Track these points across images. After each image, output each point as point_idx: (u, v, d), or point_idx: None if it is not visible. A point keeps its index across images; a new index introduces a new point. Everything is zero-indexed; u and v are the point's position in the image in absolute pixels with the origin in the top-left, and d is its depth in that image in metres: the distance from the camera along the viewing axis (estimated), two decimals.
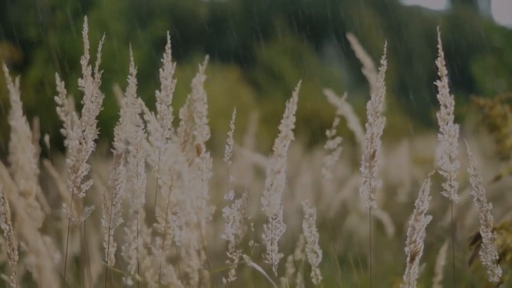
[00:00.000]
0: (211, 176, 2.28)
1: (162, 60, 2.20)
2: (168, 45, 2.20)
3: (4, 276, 2.36)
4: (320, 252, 2.32)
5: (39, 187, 2.72)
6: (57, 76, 2.49)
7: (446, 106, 2.14)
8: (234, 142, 2.24)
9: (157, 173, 2.15)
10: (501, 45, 14.89)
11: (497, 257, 2.13)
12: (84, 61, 2.15)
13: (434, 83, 2.14)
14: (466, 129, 7.44)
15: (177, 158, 1.96)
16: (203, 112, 2.29)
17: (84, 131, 2.13)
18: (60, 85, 2.49)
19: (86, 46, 2.15)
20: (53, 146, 2.86)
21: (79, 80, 2.14)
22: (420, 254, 2.11)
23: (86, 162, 2.15)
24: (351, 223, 5.47)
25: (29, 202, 2.63)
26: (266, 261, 2.16)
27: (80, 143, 2.13)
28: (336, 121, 2.73)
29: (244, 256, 2.17)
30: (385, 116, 2.39)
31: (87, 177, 2.17)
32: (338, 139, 2.69)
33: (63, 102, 2.52)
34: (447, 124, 2.14)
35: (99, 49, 2.13)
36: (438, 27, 2.14)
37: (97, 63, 2.14)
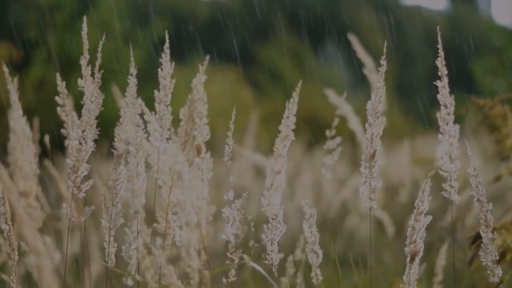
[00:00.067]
0: (211, 176, 2.28)
1: (161, 60, 2.20)
2: (167, 45, 2.20)
3: (4, 276, 2.36)
4: (320, 252, 2.32)
5: (39, 187, 2.72)
6: (58, 76, 2.49)
7: (446, 106, 2.14)
8: (234, 142, 2.24)
9: (156, 173, 2.15)
10: (501, 45, 14.89)
11: (497, 257, 2.13)
12: (83, 61, 2.15)
13: (434, 83, 2.14)
14: (466, 129, 7.44)
15: (177, 158, 1.96)
16: (203, 112, 2.29)
17: (84, 131, 2.13)
18: (61, 85, 2.49)
19: (86, 46, 2.15)
20: (53, 146, 2.86)
21: (79, 80, 2.14)
22: (420, 254, 2.11)
23: (86, 162, 2.15)
24: (351, 223, 5.47)
25: (29, 202, 2.63)
26: (266, 261, 2.16)
27: (80, 143, 2.13)
28: (336, 121, 2.73)
29: (244, 256, 2.17)
30: (385, 116, 2.39)
31: (87, 177, 2.17)
32: (338, 139, 2.69)
33: (64, 102, 2.53)
34: (447, 124, 2.14)
35: (99, 49, 2.13)
36: (438, 27, 2.14)
37: (97, 63, 2.14)
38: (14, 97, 2.61)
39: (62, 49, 9.68)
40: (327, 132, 2.69)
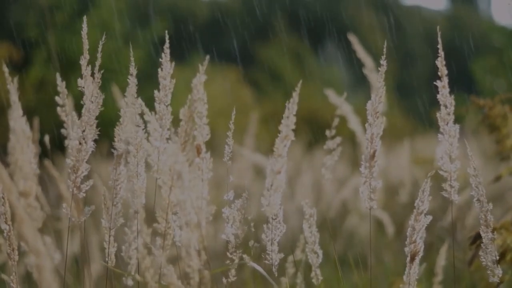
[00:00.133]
0: (211, 176, 2.28)
1: (161, 60, 2.20)
2: (167, 45, 2.20)
3: (4, 276, 2.36)
4: (320, 252, 2.32)
5: (39, 187, 2.72)
6: (58, 76, 2.49)
7: (446, 106, 2.14)
8: (234, 142, 2.24)
9: (156, 173, 2.15)
10: (501, 45, 14.89)
11: (497, 257, 2.13)
12: (83, 61, 2.15)
13: (434, 83, 2.14)
14: (466, 130, 7.44)
15: (177, 158, 1.96)
16: (203, 112, 2.29)
17: (84, 131, 2.13)
18: (61, 85, 2.49)
19: (86, 46, 2.15)
20: (53, 146, 2.86)
21: (79, 80, 2.14)
22: (420, 254, 2.11)
23: (86, 162, 2.15)
24: (351, 223, 5.47)
25: (29, 202, 2.63)
26: (266, 261, 2.16)
27: (80, 143, 2.13)
28: (336, 121, 2.73)
29: (244, 256, 2.17)
30: (385, 116, 2.39)
31: (87, 177, 2.17)
32: (338, 139, 2.69)
33: (64, 102, 2.53)
34: (447, 124, 2.14)
35: (99, 49, 2.13)
36: (438, 27, 2.14)
37: (97, 63, 2.14)
38: (14, 97, 2.61)
39: (62, 49, 9.68)
40: (327, 132, 2.69)
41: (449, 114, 2.15)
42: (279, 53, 20.96)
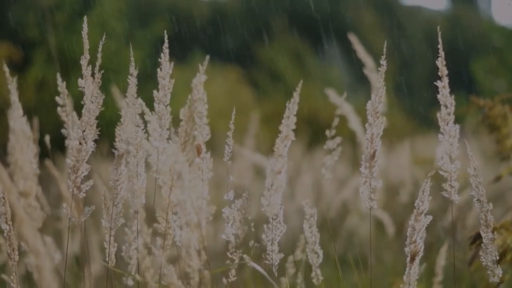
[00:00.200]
0: (211, 176, 2.28)
1: (160, 60, 2.20)
2: (166, 44, 2.20)
3: (4, 276, 2.36)
4: (321, 252, 2.32)
5: (39, 187, 2.72)
6: (58, 76, 2.49)
7: (446, 107, 2.14)
8: (235, 142, 2.24)
9: (156, 173, 2.15)
10: (501, 45, 14.89)
11: (497, 257, 2.13)
12: (84, 61, 2.15)
13: (435, 83, 2.14)
14: (466, 130, 7.45)
15: (177, 158, 1.96)
16: (204, 112, 2.29)
17: (84, 131, 2.13)
18: (61, 86, 2.49)
19: (86, 46, 2.15)
20: (53, 146, 2.86)
21: (79, 80, 2.14)
22: (420, 254, 2.11)
23: (86, 162, 2.15)
24: (351, 223, 5.47)
25: (29, 202, 2.63)
26: (267, 261, 2.16)
27: (80, 143, 2.13)
28: (336, 121, 2.73)
29: (245, 256, 2.17)
30: (385, 116, 2.39)
31: (87, 177, 2.17)
32: (338, 139, 2.69)
33: (64, 102, 2.53)
34: (447, 124, 2.14)
35: (99, 49, 2.13)
36: (438, 27, 2.14)
37: (98, 63, 2.14)
38: (14, 97, 2.61)
39: (62, 49, 9.68)
40: (327, 132, 2.69)
41: (449, 114, 2.15)
42: (279, 53, 20.96)
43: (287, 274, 2.61)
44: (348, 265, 3.88)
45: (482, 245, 2.14)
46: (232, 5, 27.31)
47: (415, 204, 2.11)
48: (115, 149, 2.17)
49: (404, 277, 2.13)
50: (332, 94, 3.51)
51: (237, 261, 2.16)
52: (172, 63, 2.22)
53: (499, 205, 4.81)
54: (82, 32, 2.15)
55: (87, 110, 2.13)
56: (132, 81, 2.18)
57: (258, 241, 2.18)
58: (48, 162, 2.82)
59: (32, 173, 2.63)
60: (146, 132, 2.17)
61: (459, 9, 30.02)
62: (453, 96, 2.15)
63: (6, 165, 2.63)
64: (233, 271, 2.17)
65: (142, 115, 2.18)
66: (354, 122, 3.68)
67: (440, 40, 2.13)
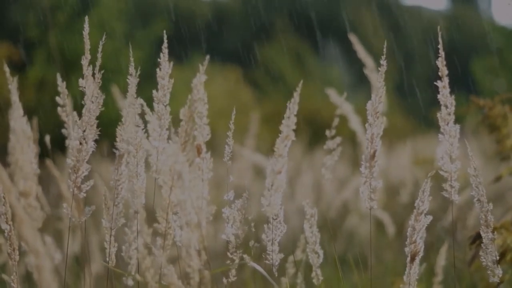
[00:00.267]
0: (211, 176, 2.28)
1: (159, 60, 2.20)
2: (165, 44, 2.20)
3: (4, 276, 2.36)
4: (321, 252, 2.32)
5: (39, 187, 2.72)
6: (58, 76, 2.49)
7: (446, 107, 2.14)
8: (235, 142, 2.24)
9: (156, 173, 2.15)
10: (502, 45, 14.89)
11: (497, 257, 2.13)
12: (85, 61, 2.15)
13: (435, 83, 2.14)
14: (466, 130, 7.45)
15: (177, 158, 1.96)
16: (204, 112, 2.29)
17: (84, 131, 2.13)
18: (62, 86, 2.49)
19: (87, 46, 2.15)
20: (53, 146, 2.86)
21: (80, 80, 2.14)
22: (421, 254, 2.11)
23: (87, 162, 2.15)
24: (351, 223, 5.47)
25: (29, 202, 2.63)
26: (267, 262, 2.16)
27: (81, 143, 2.13)
28: (336, 121, 2.73)
29: (245, 256, 2.17)
30: (386, 116, 2.39)
31: (87, 177, 2.17)
32: (338, 139, 2.69)
33: (64, 102, 2.53)
34: (447, 124, 2.14)
35: (100, 49, 2.13)
36: (438, 27, 2.14)
37: (98, 63, 2.14)
38: (14, 97, 2.62)
39: (62, 49, 9.68)
40: (327, 132, 2.69)
41: (449, 114, 2.15)
42: (279, 53, 20.96)
43: (287, 274, 2.61)
44: (348, 265, 3.88)
45: (482, 245, 2.14)
46: (232, 5, 27.31)
47: (415, 204, 2.11)
48: (116, 149, 2.17)
49: (404, 277, 2.13)
50: (332, 94, 3.51)
51: (237, 261, 2.16)
52: (172, 63, 2.22)
53: (499, 205, 4.81)
54: (84, 32, 2.15)
55: (88, 110, 2.13)
56: (132, 81, 2.18)
57: (258, 241, 2.18)
58: (48, 162, 2.82)
59: (32, 173, 2.64)
60: (146, 132, 2.17)
61: (459, 9, 30.02)
62: (453, 96, 2.15)
63: (7, 165, 2.63)
64: (233, 271, 2.17)
65: (142, 115, 2.18)
66: (354, 122, 3.68)
67: (440, 40, 2.13)
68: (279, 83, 19.24)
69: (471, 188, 2.15)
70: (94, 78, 2.15)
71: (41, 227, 2.66)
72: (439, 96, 2.14)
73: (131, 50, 2.25)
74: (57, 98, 2.51)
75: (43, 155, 2.81)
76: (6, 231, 2.05)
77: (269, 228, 2.15)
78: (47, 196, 3.04)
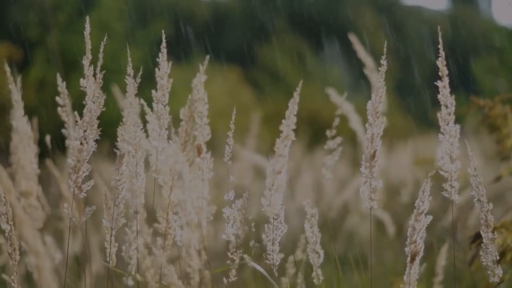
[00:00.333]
0: (211, 176, 2.28)
1: (158, 59, 2.20)
2: (163, 44, 2.20)
3: (5, 276, 2.37)
4: (321, 252, 2.32)
5: (39, 187, 2.72)
6: (58, 76, 2.50)
7: (447, 106, 2.14)
8: (235, 142, 2.24)
9: (155, 172, 2.15)
10: (502, 45, 14.90)
11: (498, 257, 2.13)
12: (86, 61, 2.15)
13: (435, 83, 2.14)
14: (466, 130, 7.45)
15: (178, 158, 1.96)
16: (204, 112, 2.29)
17: (85, 131, 2.13)
18: (61, 86, 2.49)
19: (88, 46, 2.15)
20: (53, 146, 2.87)
21: (81, 80, 2.14)
22: (421, 254, 2.11)
23: (87, 162, 2.15)
24: (351, 223, 5.47)
25: (30, 202, 2.63)
26: (267, 261, 2.17)
27: (82, 144, 2.13)
28: (336, 121, 2.73)
29: (245, 256, 2.17)
30: (386, 116, 2.39)
31: (88, 177, 2.17)
32: (338, 139, 2.69)
33: (64, 102, 2.53)
34: (448, 124, 2.14)
35: (101, 49, 2.13)
36: (439, 27, 2.14)
37: (99, 63, 2.14)
38: (16, 96, 2.62)
39: (62, 49, 9.68)
40: (328, 132, 2.69)
41: (449, 114, 2.15)
42: (279, 53, 20.96)
43: (287, 274, 2.61)
44: (348, 265, 3.88)
45: (482, 245, 2.14)
46: (232, 5, 27.31)
47: (415, 204, 2.11)
48: (117, 149, 2.17)
49: (404, 277, 2.13)
50: (333, 94, 3.51)
51: (237, 261, 2.16)
52: (170, 63, 2.22)
53: (499, 205, 4.81)
54: (85, 32, 2.15)
55: (89, 110, 2.14)
56: (130, 82, 2.18)
57: (259, 241, 2.19)
58: (48, 162, 2.82)
59: (33, 173, 2.64)
60: (146, 132, 2.17)
61: (459, 9, 30.02)
62: (453, 96, 2.15)
63: (8, 164, 2.64)
64: (233, 271, 2.17)
65: (142, 115, 2.18)
66: (354, 122, 3.68)
67: (440, 40, 2.13)
68: (279, 83, 19.24)
69: (471, 188, 2.15)
70: (95, 78, 2.15)
71: (42, 227, 2.66)
72: (439, 96, 2.14)
73: (128, 50, 2.26)
74: (57, 98, 2.51)
75: (43, 155, 2.81)
76: (6, 231, 2.05)
77: (269, 228, 2.15)
78: (47, 196, 3.04)
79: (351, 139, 4.53)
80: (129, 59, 2.19)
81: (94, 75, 2.15)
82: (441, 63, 2.14)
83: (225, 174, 2.22)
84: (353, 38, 3.76)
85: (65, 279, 2.28)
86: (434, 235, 4.50)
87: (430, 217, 2.11)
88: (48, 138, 2.83)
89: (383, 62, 2.14)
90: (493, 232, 2.12)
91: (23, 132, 2.63)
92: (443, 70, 2.14)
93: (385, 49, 2.17)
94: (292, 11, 24.88)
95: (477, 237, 2.43)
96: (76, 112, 2.27)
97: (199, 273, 2.16)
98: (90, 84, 2.14)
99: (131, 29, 12.11)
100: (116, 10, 11.40)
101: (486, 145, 7.08)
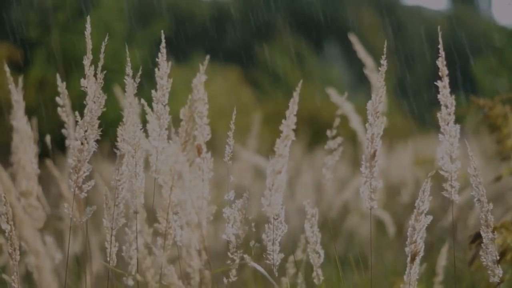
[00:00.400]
0: (211, 176, 2.28)
1: (157, 59, 2.20)
2: (163, 44, 2.20)
3: (5, 276, 2.37)
4: (322, 252, 2.32)
5: (39, 187, 2.72)
6: (58, 77, 2.50)
7: (447, 106, 2.15)
8: (236, 142, 2.24)
9: (155, 172, 2.15)
10: (502, 45, 14.89)
11: (498, 257, 2.13)
12: (86, 61, 2.15)
13: (435, 83, 2.14)
14: (466, 130, 7.45)
15: (178, 158, 1.96)
16: (204, 112, 2.29)
17: (86, 131, 2.13)
18: (61, 86, 2.49)
19: (89, 46, 2.15)
20: (53, 146, 2.87)
21: (82, 80, 2.14)
22: (421, 254, 2.12)
23: (88, 162, 2.15)
24: (352, 223, 5.47)
25: (30, 202, 2.63)
26: (267, 261, 2.17)
27: (82, 144, 2.13)
28: (337, 121, 2.73)
29: (245, 256, 2.17)
30: (386, 116, 2.39)
31: (88, 177, 2.17)
32: (339, 139, 2.69)
33: (64, 102, 2.53)
34: (448, 124, 2.14)
35: (102, 49, 2.13)
36: (439, 27, 2.14)
37: (100, 63, 2.14)
38: (17, 96, 2.62)
39: (62, 49, 9.68)
40: (328, 132, 2.69)
41: (449, 114, 2.15)
42: (280, 53, 20.96)
43: (287, 274, 2.61)
44: (348, 265, 3.88)
45: (482, 245, 2.14)
46: (233, 5, 27.32)
47: (416, 204, 2.11)
48: (117, 149, 2.17)
49: (405, 277, 2.13)
50: (333, 93, 3.51)
51: (237, 261, 2.16)
52: (170, 63, 2.22)
53: (499, 205, 4.81)
54: (85, 32, 2.15)
55: (89, 110, 2.14)
56: (129, 82, 2.18)
57: (259, 241, 2.19)
58: (48, 162, 2.82)
59: (33, 173, 2.64)
60: (145, 132, 2.17)
61: (459, 9, 30.03)
62: (453, 96, 2.15)
63: (9, 164, 2.64)
64: (233, 271, 2.17)
65: (143, 115, 2.18)
66: (354, 122, 3.68)
67: (440, 40, 2.13)
68: (279, 83, 19.24)
69: (471, 188, 2.15)
70: (96, 78, 2.15)
71: (42, 227, 2.66)
72: (439, 96, 2.14)
73: (128, 51, 2.25)
74: (57, 99, 2.52)
75: (43, 155, 2.81)
76: (6, 231, 2.05)
77: (269, 228, 2.15)
78: (47, 196, 3.04)
79: (351, 139, 4.54)
80: (128, 59, 2.19)
81: (95, 75, 2.15)
82: (441, 63, 2.14)
83: (225, 174, 2.22)
84: (353, 38, 3.76)
85: (65, 279, 2.28)
86: (434, 235, 4.50)
87: (430, 217, 2.11)
88: (48, 138, 2.83)
89: (383, 62, 2.14)
90: (493, 232, 2.12)
91: (24, 132, 2.63)
92: (443, 70, 2.14)
93: (385, 49, 2.17)
94: (292, 11, 24.88)
95: (477, 237, 2.43)
96: (77, 112, 2.27)
97: (199, 273, 2.16)
98: (91, 84, 2.14)
99: (131, 29, 12.11)
100: (116, 10, 11.40)
101: (486, 145, 7.08)
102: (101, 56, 2.14)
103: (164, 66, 2.20)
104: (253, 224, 2.16)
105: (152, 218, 2.19)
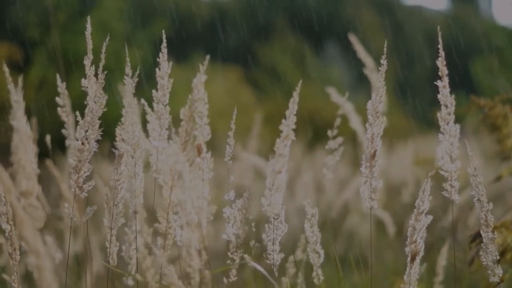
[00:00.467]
0: (212, 176, 2.28)
1: (158, 59, 2.20)
2: (164, 44, 2.20)
3: (5, 276, 2.37)
4: (322, 252, 2.32)
5: (40, 187, 2.72)
6: (58, 77, 2.50)
7: (447, 106, 2.15)
8: (236, 142, 2.24)
9: (155, 172, 2.15)
10: (502, 45, 14.90)
11: (498, 257, 2.13)
12: (87, 61, 2.15)
13: (435, 83, 2.15)
14: (466, 129, 7.45)
15: (178, 158, 1.96)
16: (204, 112, 2.29)
17: (87, 131, 2.14)
18: (61, 86, 2.49)
19: (90, 46, 2.15)
20: (53, 146, 2.87)
21: (83, 80, 2.14)
22: (421, 254, 2.12)
23: (88, 162, 2.15)
24: (352, 223, 5.47)
25: (30, 202, 2.64)
26: (267, 261, 2.17)
27: (83, 144, 2.13)
28: (338, 121, 2.73)
29: (245, 256, 2.17)
30: (386, 116, 2.39)
31: (89, 177, 2.17)
32: (340, 139, 2.69)
33: (64, 103, 2.53)
34: (448, 124, 2.14)
35: (103, 50, 2.13)
36: (439, 27, 2.14)
37: (101, 64, 2.14)
38: (17, 96, 2.62)
39: (62, 49, 9.68)
40: (329, 132, 2.69)
41: (449, 114, 2.15)
42: (280, 53, 20.97)
43: (287, 274, 2.61)
44: (348, 265, 3.88)
45: (482, 244, 2.14)
46: (232, 5, 27.32)
47: (416, 204, 2.11)
48: (116, 148, 2.18)
49: (405, 277, 2.13)
50: (333, 93, 3.51)
51: (237, 261, 2.16)
52: (171, 63, 2.22)
53: (499, 205, 4.81)
54: (86, 32, 2.15)
55: (90, 111, 2.14)
56: (129, 82, 2.18)
57: (259, 241, 2.19)
58: (48, 162, 2.82)
59: (33, 173, 2.64)
60: (146, 132, 2.17)
61: (460, 9, 30.02)
62: (453, 96, 2.15)
63: (9, 164, 2.64)
64: (233, 271, 2.17)
65: (144, 115, 2.18)
66: (354, 122, 3.68)
67: (440, 40, 2.13)
68: (279, 83, 19.24)
69: (471, 188, 2.15)
70: (96, 78, 2.15)
71: (42, 227, 2.66)
72: (439, 96, 2.14)
73: (127, 51, 2.26)
74: (57, 99, 2.52)
75: (43, 155, 2.81)
76: (7, 231, 2.05)
77: (269, 228, 2.15)
78: (47, 196, 3.04)
79: (352, 139, 4.53)
80: (128, 59, 2.19)
81: (96, 75, 2.15)
82: (441, 63, 2.14)
83: (225, 174, 2.22)
84: (353, 38, 3.76)
85: (65, 279, 2.28)
86: (434, 235, 4.50)
87: (430, 217, 2.11)
88: (48, 138, 2.83)
89: (383, 62, 2.14)
90: (493, 231, 2.12)
91: (23, 132, 2.63)
92: (443, 70, 2.14)
93: (385, 49, 2.17)
94: (292, 11, 24.89)
95: (477, 237, 2.43)
96: (77, 112, 2.27)
97: (199, 273, 2.16)
98: (92, 84, 2.14)
99: (131, 29, 12.11)
100: (116, 10, 11.40)
101: (486, 145, 7.08)
102: (102, 56, 2.14)
103: (165, 66, 2.20)
104: (253, 224, 2.16)
105: (152, 218, 2.19)
